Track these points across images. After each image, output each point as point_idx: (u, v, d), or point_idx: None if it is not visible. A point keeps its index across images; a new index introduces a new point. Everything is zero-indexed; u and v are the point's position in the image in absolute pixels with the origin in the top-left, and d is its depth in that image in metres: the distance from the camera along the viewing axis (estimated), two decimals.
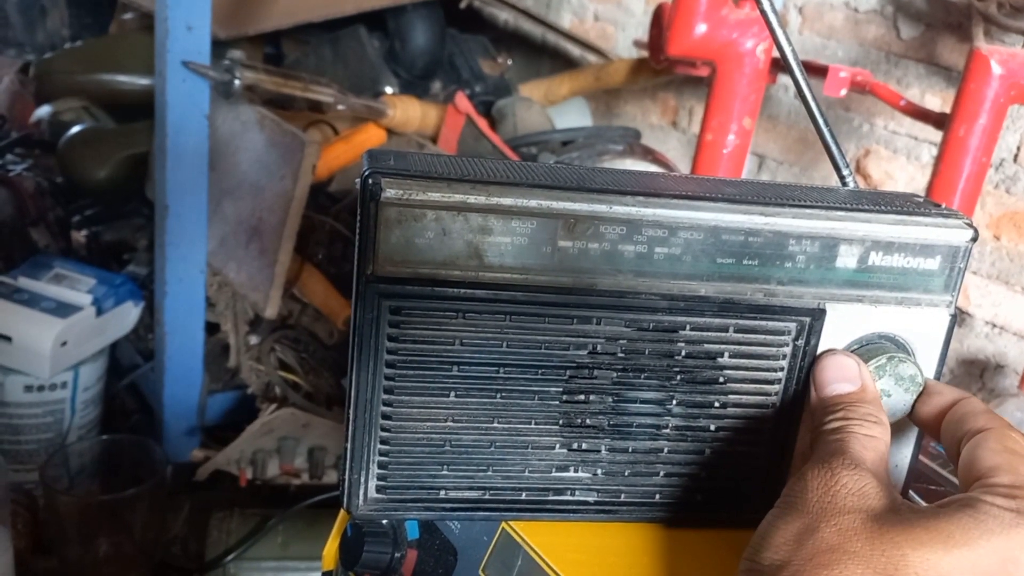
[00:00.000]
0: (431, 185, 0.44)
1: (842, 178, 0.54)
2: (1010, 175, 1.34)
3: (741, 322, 0.48)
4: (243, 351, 1.11)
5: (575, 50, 2.00)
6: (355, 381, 0.47)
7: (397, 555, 0.58)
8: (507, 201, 0.44)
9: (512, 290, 0.46)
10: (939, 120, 1.11)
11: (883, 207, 0.49)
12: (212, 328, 1.15)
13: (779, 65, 1.34)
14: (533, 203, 0.45)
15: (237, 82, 0.98)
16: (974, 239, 0.48)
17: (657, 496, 0.51)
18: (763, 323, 0.49)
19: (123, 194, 1.33)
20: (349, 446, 0.48)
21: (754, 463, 0.51)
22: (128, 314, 1.17)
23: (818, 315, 0.49)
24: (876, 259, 0.48)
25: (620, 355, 0.48)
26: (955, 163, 1.04)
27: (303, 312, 1.14)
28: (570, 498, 0.51)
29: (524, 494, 0.50)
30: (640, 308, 0.47)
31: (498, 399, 0.48)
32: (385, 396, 0.47)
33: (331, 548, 0.63)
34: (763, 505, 0.52)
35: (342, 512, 0.65)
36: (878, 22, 1.49)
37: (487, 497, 0.50)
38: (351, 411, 0.47)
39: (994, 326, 1.37)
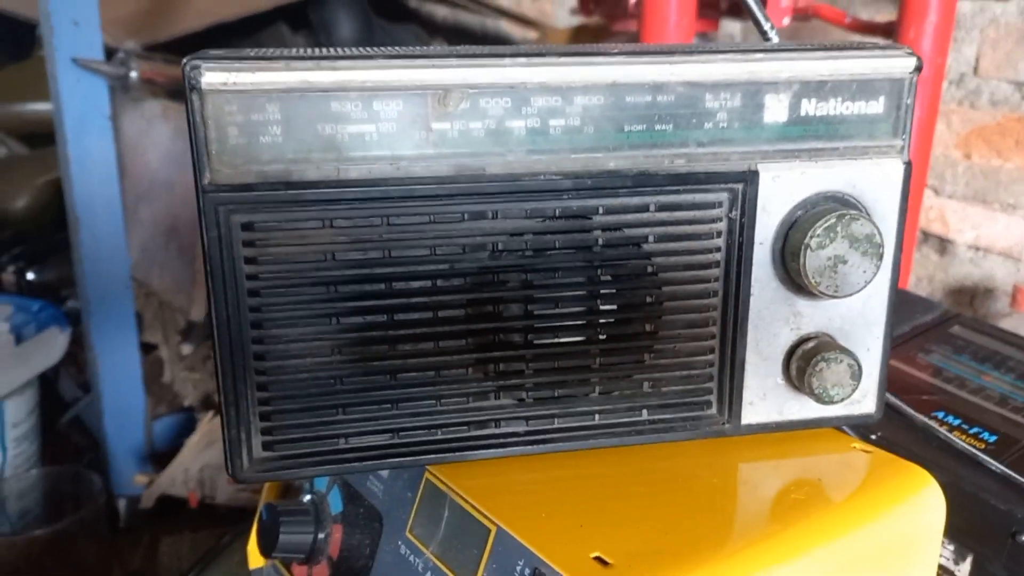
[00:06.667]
0: (264, 66, 0.37)
1: (764, 34, 0.48)
2: (972, 89, 1.27)
3: (662, 198, 0.41)
4: (176, 362, 1.03)
5: (516, 32, 1.94)
6: (215, 318, 0.39)
7: (320, 535, 0.50)
8: (360, 76, 0.37)
9: (383, 186, 0.39)
10: (887, 29, 1.04)
11: (810, 47, 0.42)
12: (150, 348, 1.08)
13: (719, 7, 1.28)
14: (393, 76, 0.38)
15: (134, 74, 0.91)
16: (918, 68, 0.41)
17: (596, 417, 0.44)
18: (688, 196, 0.42)
19: (47, 223, 1.26)
20: (222, 399, 0.41)
21: (703, 365, 0.44)
22: (54, 341, 1.09)
23: (751, 179, 0.42)
24: (809, 107, 0.42)
25: (527, 253, 0.41)
26: None
27: None
28: (495, 431, 0.43)
29: (440, 432, 0.43)
30: (541, 192, 0.40)
31: (390, 321, 0.41)
32: (255, 332, 0.40)
33: (254, 539, 0.55)
34: (720, 413, 0.45)
35: (264, 493, 0.58)
36: None
37: (397, 441, 0.42)
38: (217, 356, 0.40)
39: (977, 249, 1.31)
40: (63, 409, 1.20)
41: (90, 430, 1.19)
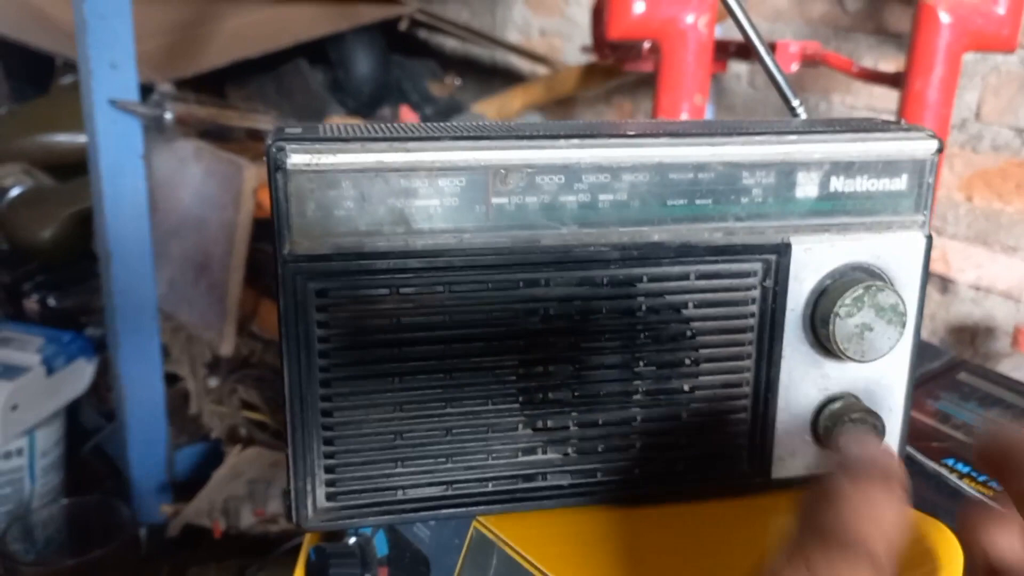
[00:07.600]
0: (343, 147, 0.40)
1: (792, 110, 0.51)
2: (974, 134, 1.31)
3: (702, 267, 0.44)
4: (203, 395, 1.06)
5: (525, 66, 1.98)
6: (288, 377, 0.42)
7: None
8: (429, 157, 0.40)
9: (447, 256, 0.42)
10: (894, 79, 1.08)
11: (838, 128, 0.45)
12: (173, 379, 1.10)
13: (728, 50, 1.32)
14: (458, 156, 0.41)
15: (168, 116, 0.95)
16: (939, 150, 0.45)
17: (636, 471, 0.47)
18: (726, 266, 0.45)
19: (72, 254, 1.28)
20: (290, 452, 0.43)
21: (737, 423, 0.47)
22: (82, 372, 1.12)
23: (784, 251, 0.45)
24: (838, 184, 0.45)
25: (576, 317, 0.44)
26: (916, 119, 1.01)
27: (265, 350, 1.09)
28: (542, 484, 0.46)
29: (491, 484, 0.45)
30: (590, 262, 0.43)
31: (448, 380, 0.44)
32: (323, 390, 0.43)
33: None
34: (752, 468, 0.47)
35: (308, 536, 0.60)
36: None
37: (450, 493, 0.45)
38: (288, 412, 0.43)
39: (978, 289, 1.34)
40: (83, 438, 1.22)
41: (111, 459, 1.21)
